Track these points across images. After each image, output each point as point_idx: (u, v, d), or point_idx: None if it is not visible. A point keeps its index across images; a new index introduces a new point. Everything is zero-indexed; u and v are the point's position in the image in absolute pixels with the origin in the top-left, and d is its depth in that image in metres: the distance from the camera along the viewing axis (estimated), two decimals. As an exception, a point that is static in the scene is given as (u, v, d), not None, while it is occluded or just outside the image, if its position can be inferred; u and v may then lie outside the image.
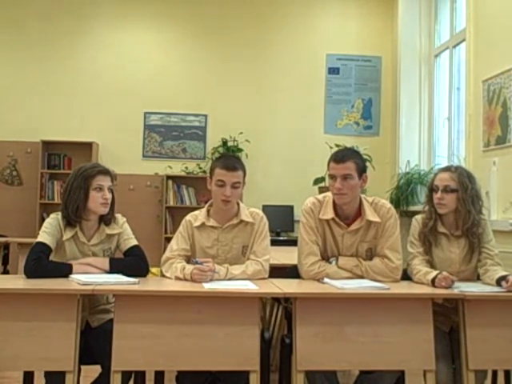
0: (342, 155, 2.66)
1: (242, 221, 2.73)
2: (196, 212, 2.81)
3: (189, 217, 2.79)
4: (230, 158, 2.88)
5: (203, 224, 2.73)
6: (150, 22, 6.69)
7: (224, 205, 2.67)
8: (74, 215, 2.55)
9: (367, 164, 2.82)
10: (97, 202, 2.56)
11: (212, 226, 2.73)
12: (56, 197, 6.30)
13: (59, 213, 2.60)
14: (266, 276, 2.67)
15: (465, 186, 2.65)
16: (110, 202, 2.61)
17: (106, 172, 2.62)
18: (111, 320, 2.35)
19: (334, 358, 2.33)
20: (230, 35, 6.69)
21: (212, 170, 2.72)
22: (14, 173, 6.44)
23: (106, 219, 2.65)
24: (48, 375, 2.41)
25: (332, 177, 2.65)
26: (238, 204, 2.77)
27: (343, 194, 2.61)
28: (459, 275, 2.61)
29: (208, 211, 2.77)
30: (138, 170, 6.54)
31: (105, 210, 2.60)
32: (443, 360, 2.45)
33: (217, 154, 6.31)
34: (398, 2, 6.47)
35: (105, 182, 2.59)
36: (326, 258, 2.72)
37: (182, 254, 2.70)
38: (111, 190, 2.63)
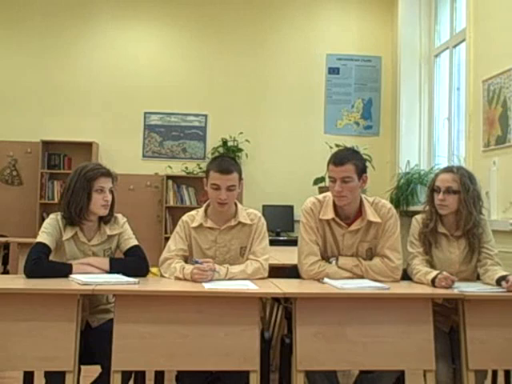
0: (340, 158, 2.63)
1: (239, 222, 2.72)
2: (193, 212, 2.80)
3: (185, 217, 2.78)
4: (224, 160, 2.73)
5: (201, 225, 2.72)
6: (151, 22, 6.69)
7: (220, 207, 2.67)
8: (77, 216, 2.56)
9: (367, 164, 2.80)
10: (98, 203, 2.57)
11: (210, 228, 2.72)
12: (56, 197, 6.30)
13: (58, 213, 2.61)
14: (266, 275, 2.67)
15: (466, 188, 2.64)
16: (110, 203, 2.62)
17: (107, 174, 2.63)
18: (111, 320, 2.35)
19: (334, 358, 2.33)
20: (230, 35, 6.69)
21: (207, 172, 2.70)
22: (14, 173, 6.44)
23: (105, 219, 2.66)
24: (48, 375, 2.41)
25: (331, 179, 2.65)
26: (235, 205, 2.76)
27: (343, 196, 2.61)
28: (459, 275, 2.61)
29: (205, 212, 2.76)
30: (137, 169, 6.54)
31: (105, 212, 2.61)
32: (443, 360, 2.45)
33: (217, 154, 6.30)
34: (398, 2, 6.47)
35: (106, 183, 2.60)
36: (326, 257, 2.71)
37: (180, 254, 2.69)
38: (111, 191, 2.64)
